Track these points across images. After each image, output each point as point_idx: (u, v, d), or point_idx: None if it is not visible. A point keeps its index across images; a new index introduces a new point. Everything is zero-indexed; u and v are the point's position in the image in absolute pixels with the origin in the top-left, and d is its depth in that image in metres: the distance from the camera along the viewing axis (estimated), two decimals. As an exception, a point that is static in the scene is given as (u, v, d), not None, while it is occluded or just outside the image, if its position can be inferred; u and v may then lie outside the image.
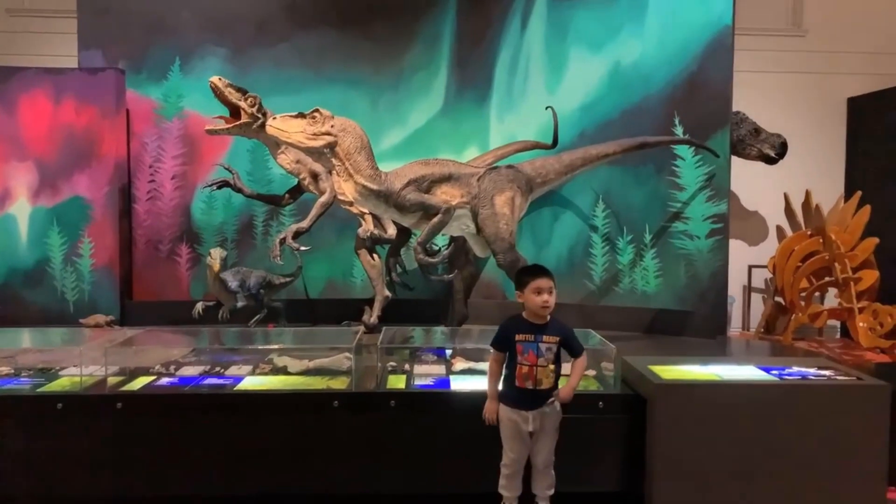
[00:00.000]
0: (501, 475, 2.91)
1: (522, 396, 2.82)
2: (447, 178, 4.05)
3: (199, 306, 4.84)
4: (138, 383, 3.33)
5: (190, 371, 3.57)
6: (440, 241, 5.11)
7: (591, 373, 3.52)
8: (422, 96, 5.78)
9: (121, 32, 5.52)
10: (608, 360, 3.35)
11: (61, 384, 3.33)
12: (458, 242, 4.66)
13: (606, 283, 5.22)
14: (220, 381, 3.38)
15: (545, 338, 2.82)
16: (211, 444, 3.14)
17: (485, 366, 3.54)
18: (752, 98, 5.86)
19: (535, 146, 5.21)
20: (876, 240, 4.66)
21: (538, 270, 2.91)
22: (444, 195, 4.01)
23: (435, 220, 3.92)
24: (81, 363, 3.37)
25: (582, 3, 5.25)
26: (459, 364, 3.61)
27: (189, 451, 3.14)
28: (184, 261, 5.62)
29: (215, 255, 4.71)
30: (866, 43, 6.33)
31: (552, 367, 2.83)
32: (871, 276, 4.64)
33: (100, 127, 5.32)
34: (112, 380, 3.34)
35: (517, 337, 2.82)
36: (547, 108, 5.01)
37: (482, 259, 4.80)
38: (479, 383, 3.31)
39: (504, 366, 2.90)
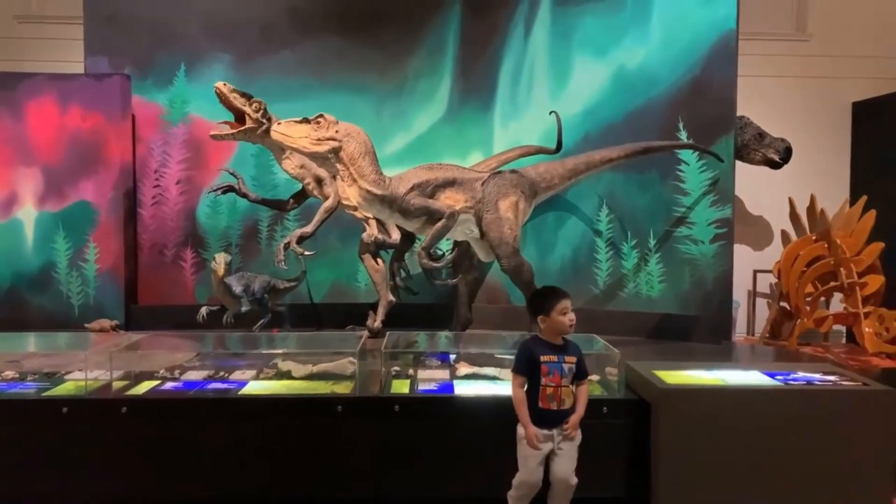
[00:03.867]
0: (512, 498, 2.89)
1: (546, 417, 2.82)
2: (451, 183, 4.06)
3: (204, 311, 4.84)
4: (143, 388, 3.34)
5: (194, 375, 3.57)
6: (444, 245, 5.11)
7: (595, 377, 3.51)
8: (426, 102, 5.78)
9: (127, 39, 5.54)
10: (612, 365, 3.35)
11: (67, 388, 3.34)
12: (462, 247, 4.66)
13: (611, 287, 5.20)
14: (225, 386, 3.39)
15: (567, 358, 2.86)
16: (215, 448, 3.15)
17: (489, 370, 3.55)
18: (756, 102, 5.85)
19: (539, 151, 5.21)
20: (881, 244, 4.64)
21: (560, 292, 2.93)
22: (449, 200, 4.02)
23: (439, 224, 3.92)
24: (86, 367, 3.39)
25: (586, 9, 5.26)
26: (463, 369, 3.60)
27: (193, 455, 3.15)
28: (188, 265, 5.63)
29: (220, 260, 4.71)
30: (871, 47, 6.32)
31: (572, 386, 2.87)
32: (876, 281, 4.62)
33: (106, 132, 5.34)
34: (117, 384, 3.35)
35: (542, 358, 2.83)
36: (551, 112, 5.01)
37: (486, 264, 4.80)
38: (483, 388, 3.33)
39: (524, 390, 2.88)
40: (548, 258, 5.42)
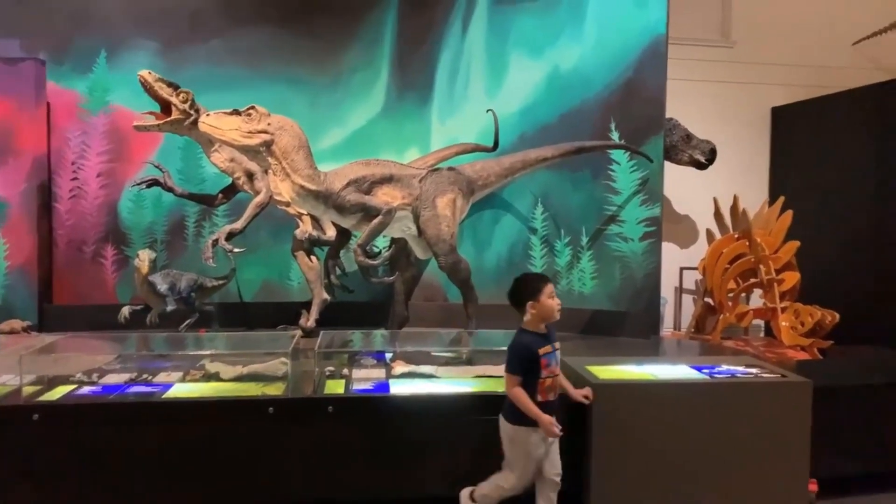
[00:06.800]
0: (495, 494, 2.84)
1: (546, 410, 2.73)
2: (388, 180, 4.01)
3: (126, 310, 4.62)
4: (57, 393, 3.14)
5: (115, 379, 3.39)
6: (381, 242, 5.06)
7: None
8: (362, 97, 5.69)
9: (41, 21, 5.21)
10: (547, 361, 3.37)
11: (-30, 395, 3.10)
12: (399, 244, 4.62)
13: (545, 284, 5.27)
14: (148, 389, 3.23)
15: (556, 345, 2.83)
16: (138, 455, 2.99)
17: (425, 369, 3.53)
18: (683, 105, 6.03)
19: (476, 149, 5.22)
20: (797, 243, 4.88)
21: (545, 276, 2.97)
22: (386, 196, 3.97)
23: (376, 221, 3.87)
24: (-7, 372, 3.17)
25: (522, 8, 5.31)
26: (399, 368, 3.56)
27: (114, 463, 2.98)
28: (109, 263, 5.35)
29: (144, 257, 4.52)
30: (790, 55, 6.64)
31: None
32: (792, 278, 4.86)
33: (17, 120, 5.01)
34: (28, 389, 3.15)
35: (540, 351, 2.75)
36: (488, 110, 5.03)
37: (423, 261, 4.77)
38: (419, 387, 3.30)
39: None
40: (484, 255, 5.44)
